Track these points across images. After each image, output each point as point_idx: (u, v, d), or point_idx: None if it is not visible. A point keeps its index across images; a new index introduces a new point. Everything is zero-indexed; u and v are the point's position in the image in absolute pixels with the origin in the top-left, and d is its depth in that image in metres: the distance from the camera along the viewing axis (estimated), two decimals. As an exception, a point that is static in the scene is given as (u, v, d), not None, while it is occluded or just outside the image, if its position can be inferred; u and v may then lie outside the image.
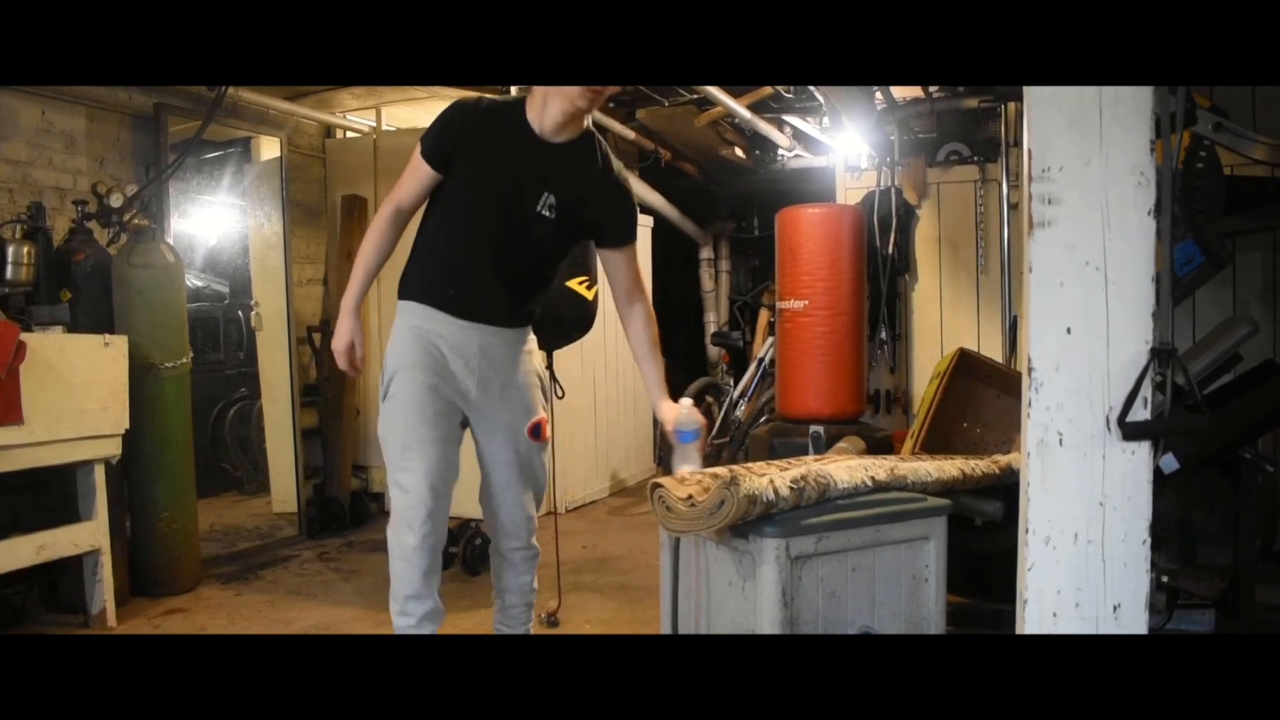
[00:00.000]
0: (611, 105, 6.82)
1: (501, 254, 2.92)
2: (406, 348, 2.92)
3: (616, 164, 3.02)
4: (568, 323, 4.00)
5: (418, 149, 2.88)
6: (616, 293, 3.08)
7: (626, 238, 3.03)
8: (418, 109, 6.63)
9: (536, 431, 3.09)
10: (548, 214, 2.87)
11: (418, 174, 2.90)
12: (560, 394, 4.35)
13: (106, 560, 4.15)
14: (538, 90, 2.83)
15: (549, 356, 4.08)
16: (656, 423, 8.26)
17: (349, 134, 6.86)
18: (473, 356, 2.95)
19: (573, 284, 3.90)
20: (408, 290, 2.99)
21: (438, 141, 2.87)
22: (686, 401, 2.89)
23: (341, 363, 2.93)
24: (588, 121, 2.93)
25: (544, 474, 3.20)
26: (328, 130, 6.76)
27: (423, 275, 2.96)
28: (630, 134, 7.17)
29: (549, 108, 2.81)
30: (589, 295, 3.96)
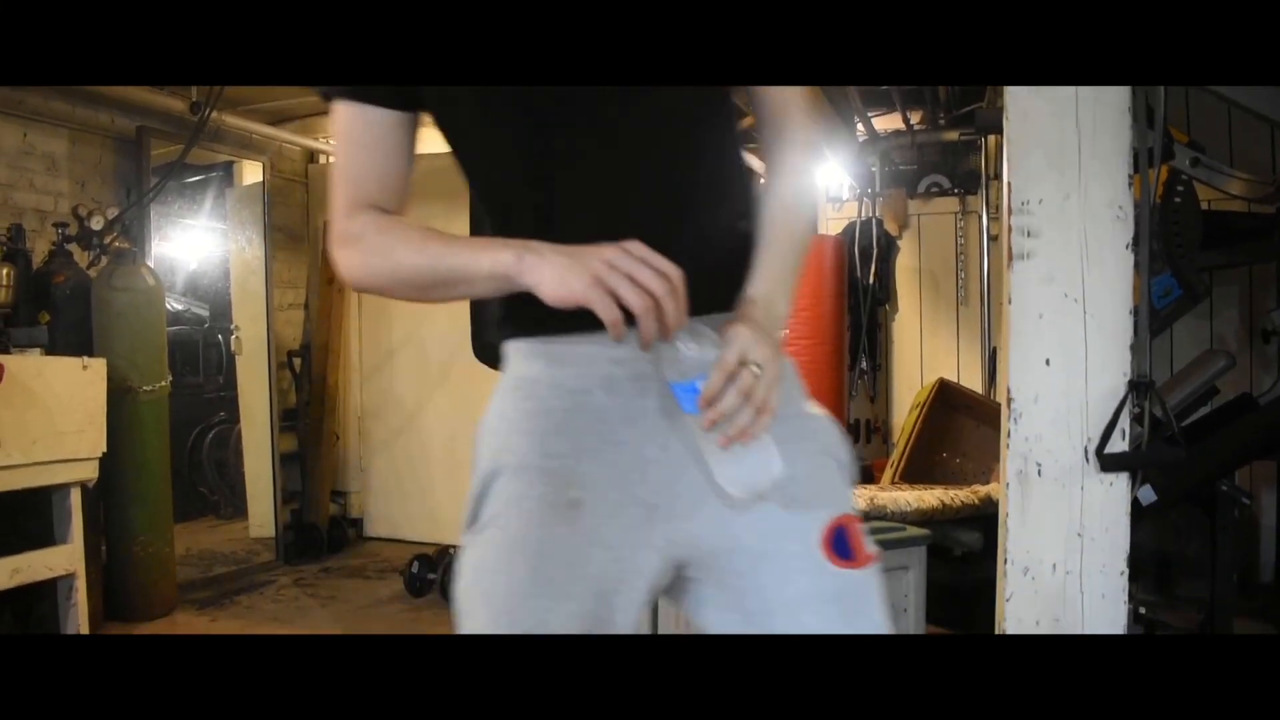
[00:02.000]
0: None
1: (607, 165, 1.31)
2: (509, 425, 1.35)
3: None
4: None
5: (338, 104, 1.34)
6: (762, 119, 1.43)
7: None
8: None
9: (840, 542, 1.32)
10: None
11: (359, 140, 1.36)
12: None
13: (81, 585, 4.09)
14: None
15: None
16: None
17: (332, 159, 6.83)
18: (645, 409, 1.30)
19: None
20: (498, 329, 1.42)
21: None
22: (687, 330, 1.18)
23: (640, 305, 1.12)
24: None
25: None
26: (311, 155, 6.75)
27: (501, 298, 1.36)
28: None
29: None
30: None
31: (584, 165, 1.30)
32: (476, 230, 1.44)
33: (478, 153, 1.37)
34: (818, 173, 1.33)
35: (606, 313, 1.12)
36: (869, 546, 1.34)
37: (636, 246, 1.15)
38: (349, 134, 1.36)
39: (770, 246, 1.34)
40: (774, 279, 1.32)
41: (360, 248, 1.32)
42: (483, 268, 1.22)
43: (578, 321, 1.19)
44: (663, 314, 1.13)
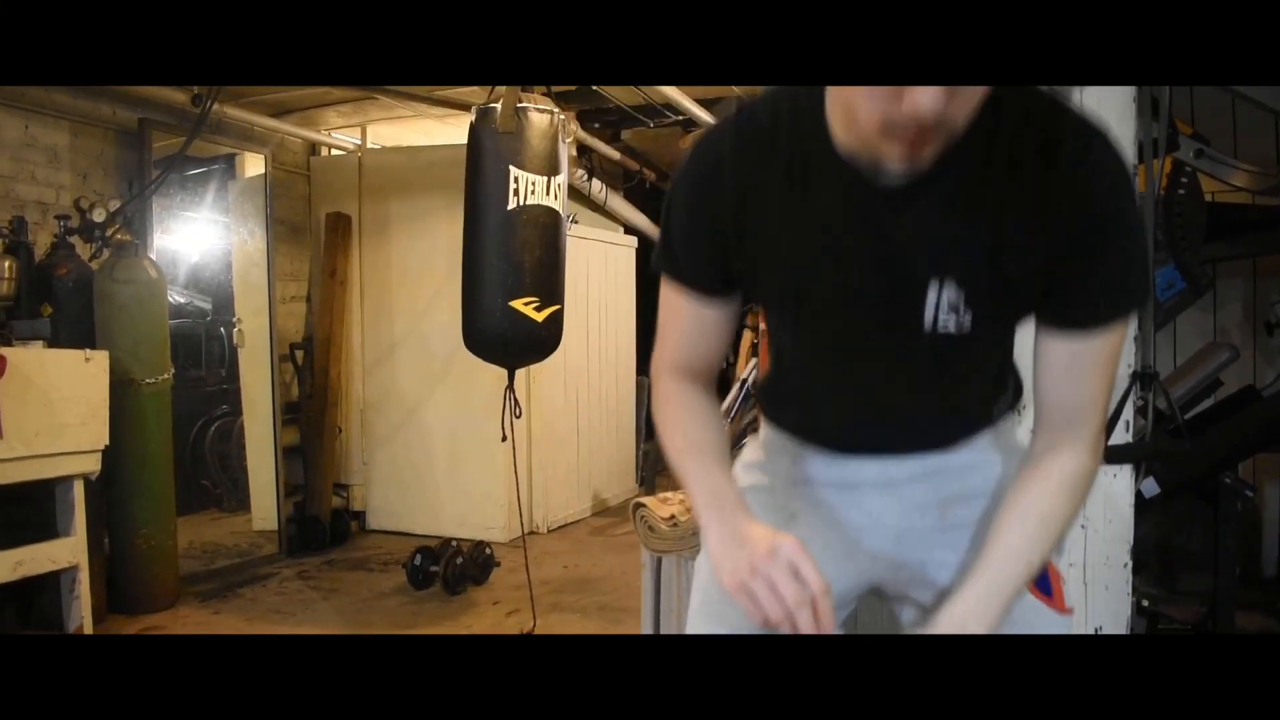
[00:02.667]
0: (596, 126, 6.83)
1: (877, 390, 1.43)
2: (744, 465, 1.64)
3: (1103, 163, 1.32)
4: (512, 345, 3.78)
5: (665, 278, 1.48)
6: (1039, 404, 1.34)
7: (1096, 313, 1.27)
8: (402, 127, 6.62)
9: (1043, 577, 1.38)
10: (949, 325, 1.27)
11: (681, 313, 1.48)
12: (518, 414, 4.02)
13: (84, 577, 4.09)
14: (834, 95, 1.22)
15: (509, 375, 3.99)
16: (639, 443, 8.24)
17: (334, 152, 6.84)
18: (859, 480, 1.49)
19: (517, 304, 3.65)
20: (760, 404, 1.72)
21: (687, 243, 1.41)
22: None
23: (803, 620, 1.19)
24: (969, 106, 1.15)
25: None
26: (312, 148, 6.75)
27: (768, 389, 1.67)
28: (615, 155, 7.19)
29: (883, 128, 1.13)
30: (538, 317, 3.71)
31: (872, 381, 1.42)
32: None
33: (776, 325, 1.53)
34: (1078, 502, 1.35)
35: (750, 613, 1.22)
36: (1068, 600, 1.41)
37: (789, 549, 1.22)
38: (672, 305, 1.49)
39: (991, 564, 1.28)
40: (979, 602, 1.26)
41: (663, 417, 1.51)
42: (697, 516, 1.37)
43: (808, 435, 1.51)
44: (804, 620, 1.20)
